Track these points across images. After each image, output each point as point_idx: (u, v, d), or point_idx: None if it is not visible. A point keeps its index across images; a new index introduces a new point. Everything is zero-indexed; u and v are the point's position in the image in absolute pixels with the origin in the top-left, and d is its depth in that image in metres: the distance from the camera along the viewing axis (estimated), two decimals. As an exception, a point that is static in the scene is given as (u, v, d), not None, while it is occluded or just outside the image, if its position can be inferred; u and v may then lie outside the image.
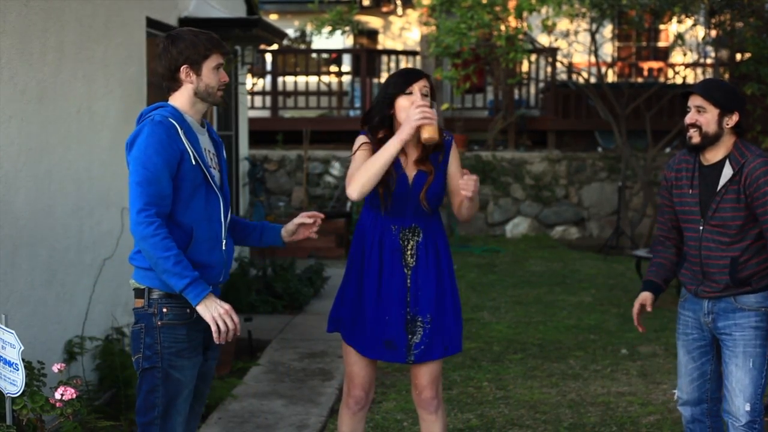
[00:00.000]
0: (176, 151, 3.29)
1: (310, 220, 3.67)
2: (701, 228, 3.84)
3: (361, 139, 3.81)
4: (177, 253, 3.23)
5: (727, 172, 3.80)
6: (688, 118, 3.82)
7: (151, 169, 3.24)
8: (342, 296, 3.89)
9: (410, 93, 3.70)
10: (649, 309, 4.02)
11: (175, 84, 3.40)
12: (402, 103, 3.71)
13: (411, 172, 3.77)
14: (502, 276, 10.25)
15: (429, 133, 3.61)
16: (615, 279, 10.03)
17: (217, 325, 3.26)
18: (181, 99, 3.41)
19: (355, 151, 3.79)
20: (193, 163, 3.33)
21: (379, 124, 3.77)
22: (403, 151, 3.77)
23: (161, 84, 3.44)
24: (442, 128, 3.88)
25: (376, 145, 3.75)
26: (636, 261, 8.85)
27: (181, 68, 3.36)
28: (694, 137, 3.80)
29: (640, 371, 6.40)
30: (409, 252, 3.78)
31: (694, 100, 3.82)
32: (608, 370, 6.45)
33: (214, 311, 3.26)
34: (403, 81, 3.72)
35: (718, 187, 3.80)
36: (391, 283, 3.77)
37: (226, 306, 3.28)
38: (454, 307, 3.86)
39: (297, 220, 3.69)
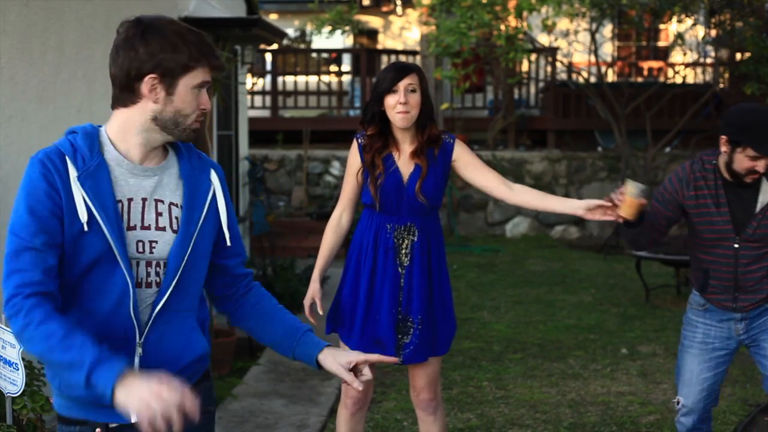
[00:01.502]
0: (56, 205, 2.24)
1: (357, 385, 2.53)
2: (736, 246, 3.75)
3: (354, 150, 3.82)
4: (63, 334, 2.13)
5: (767, 187, 3.70)
6: (761, 167, 3.61)
7: (23, 235, 2.22)
8: (338, 296, 3.90)
9: (396, 91, 3.71)
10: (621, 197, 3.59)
11: (129, 96, 2.28)
12: (389, 101, 3.72)
13: (406, 168, 3.76)
14: (502, 276, 10.25)
15: (625, 213, 3.55)
16: (615, 279, 10.03)
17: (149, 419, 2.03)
18: (124, 121, 2.31)
19: (348, 165, 3.85)
20: (85, 228, 2.21)
21: (372, 119, 3.79)
22: (395, 146, 3.77)
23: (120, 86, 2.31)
24: (443, 130, 3.89)
25: (368, 145, 3.77)
26: (636, 261, 8.84)
27: (146, 77, 2.24)
28: (749, 177, 3.66)
29: (640, 371, 6.40)
30: (403, 251, 3.76)
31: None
32: (608, 369, 6.45)
33: (136, 398, 2.05)
34: (390, 79, 3.73)
35: (758, 207, 3.70)
36: (384, 282, 3.76)
37: (158, 383, 2.07)
38: (446, 309, 3.86)
39: (344, 375, 2.55)
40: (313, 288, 3.84)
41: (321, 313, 3.81)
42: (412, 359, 3.79)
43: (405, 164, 3.76)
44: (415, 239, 3.76)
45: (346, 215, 3.89)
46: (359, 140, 3.81)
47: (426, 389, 3.88)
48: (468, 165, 3.79)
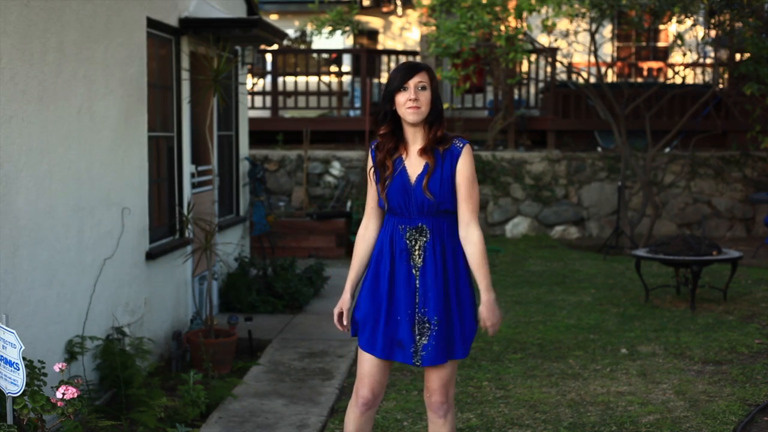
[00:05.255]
0: None
1: None
2: None
3: (369, 157, 3.86)
4: None
5: None
6: None
7: None
8: (359, 299, 3.91)
9: (406, 89, 3.73)
10: None
11: None
12: (399, 99, 3.76)
13: (414, 169, 3.78)
14: (502, 276, 10.26)
15: None
16: (615, 279, 10.04)
17: None
18: None
19: (368, 172, 3.89)
20: None
21: (383, 118, 3.82)
22: (405, 148, 3.80)
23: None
24: (456, 135, 3.89)
25: (381, 144, 3.79)
26: (636, 261, 8.85)
27: None
28: None
29: (639, 371, 6.40)
30: (416, 252, 3.79)
31: None
32: (608, 369, 6.46)
33: None
34: (400, 77, 3.76)
35: None
36: (399, 283, 3.79)
37: None
38: (464, 311, 3.87)
39: None
40: (343, 299, 3.93)
41: (345, 322, 3.88)
42: (431, 361, 3.79)
43: (412, 165, 3.78)
44: (427, 240, 3.78)
45: (372, 224, 3.92)
46: (372, 147, 3.86)
47: (438, 392, 3.88)
48: (459, 185, 3.78)
